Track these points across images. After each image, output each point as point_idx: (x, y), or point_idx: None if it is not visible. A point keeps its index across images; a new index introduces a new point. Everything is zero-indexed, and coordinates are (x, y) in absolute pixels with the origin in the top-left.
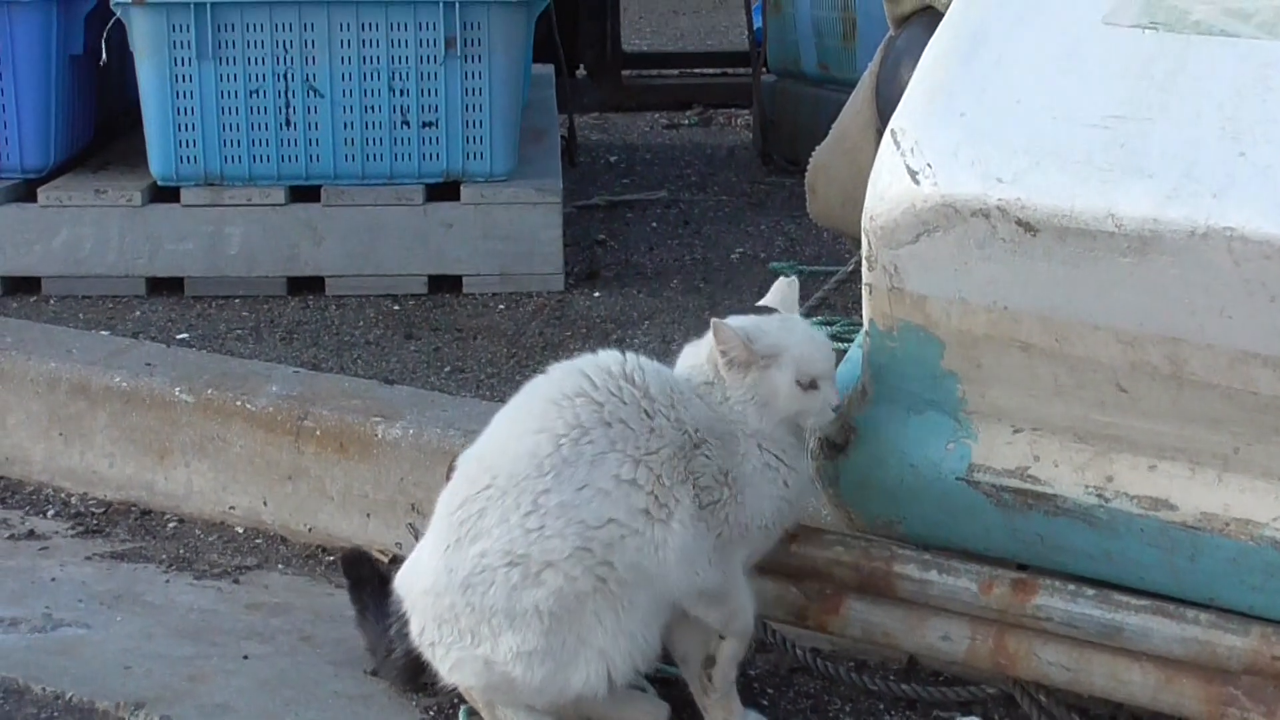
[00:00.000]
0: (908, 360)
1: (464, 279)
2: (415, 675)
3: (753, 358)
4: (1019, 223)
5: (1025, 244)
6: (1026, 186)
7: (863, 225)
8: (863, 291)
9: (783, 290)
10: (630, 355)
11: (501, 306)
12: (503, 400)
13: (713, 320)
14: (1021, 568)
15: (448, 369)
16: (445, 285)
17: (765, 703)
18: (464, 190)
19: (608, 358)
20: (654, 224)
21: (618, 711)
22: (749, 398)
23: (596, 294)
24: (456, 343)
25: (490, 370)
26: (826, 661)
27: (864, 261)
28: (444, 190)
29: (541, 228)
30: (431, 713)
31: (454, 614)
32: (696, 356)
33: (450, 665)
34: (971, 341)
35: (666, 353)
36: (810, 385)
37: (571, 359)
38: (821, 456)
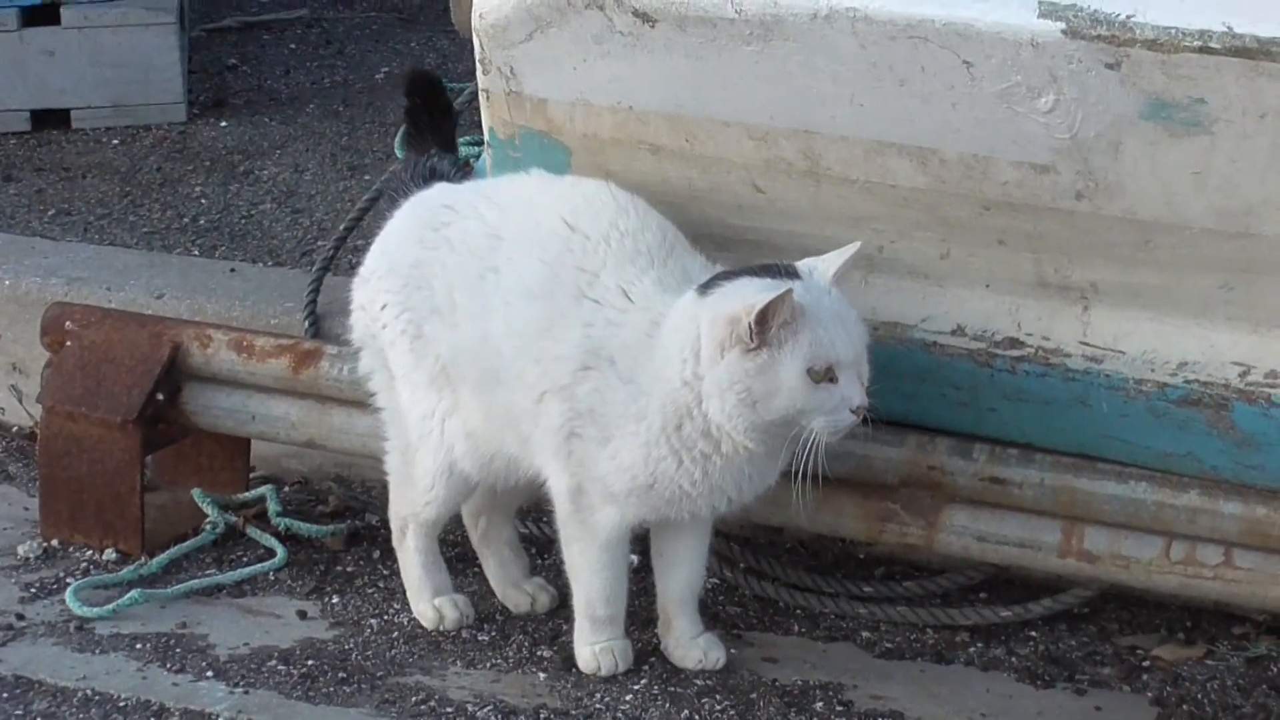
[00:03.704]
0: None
1: (72, 113)
2: None
3: (762, 341)
4: (635, 13)
5: (645, 36)
6: None
7: (473, 25)
8: (480, 99)
9: (831, 256)
10: (637, 211)
11: (115, 141)
12: (114, 243)
13: (712, 300)
14: None
15: (52, 212)
16: (51, 120)
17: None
18: (64, 12)
19: (604, 202)
20: (293, 45)
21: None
22: (740, 392)
23: (224, 123)
24: (63, 183)
25: (100, 211)
26: None
27: (478, 65)
28: (42, 13)
29: (157, 52)
30: (33, 589)
31: None
32: (685, 321)
33: None
34: (599, 146)
35: (298, 183)
36: (826, 376)
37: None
38: None
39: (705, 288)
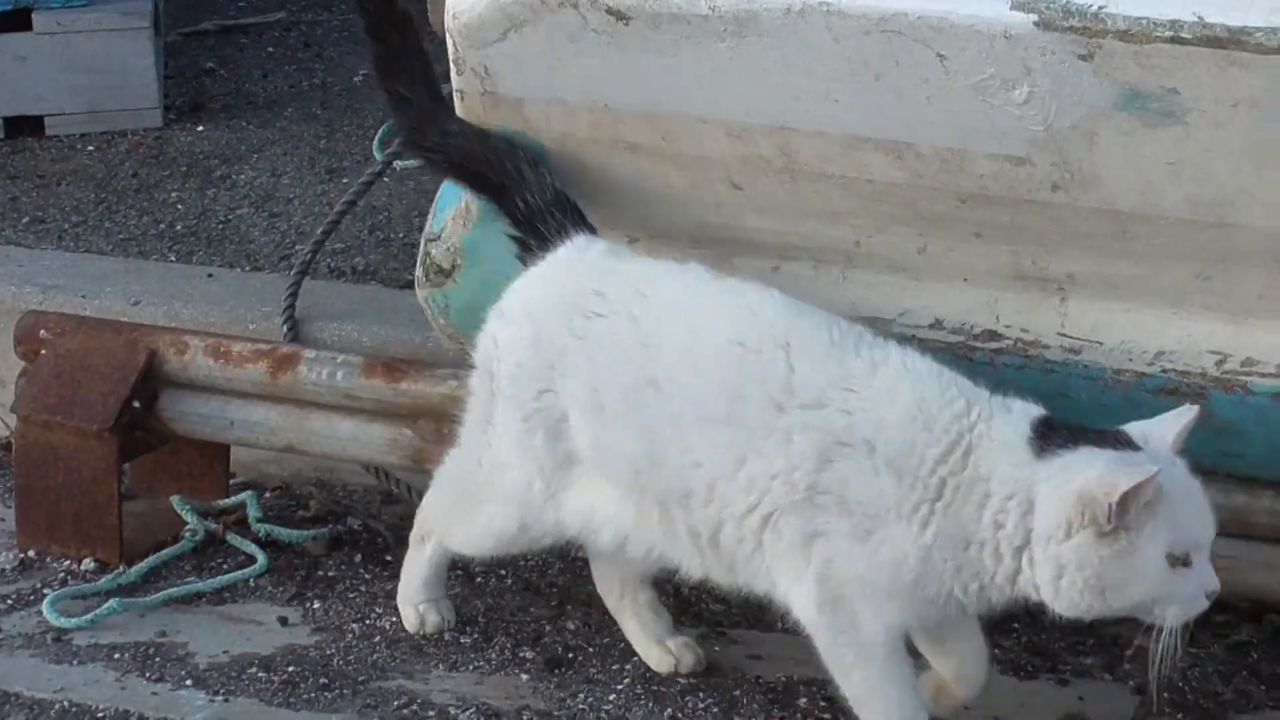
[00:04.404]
0: None
1: (46, 119)
2: None
3: (1121, 524)
4: (609, 11)
5: (619, 34)
6: None
7: (446, 25)
8: (454, 99)
9: (1167, 422)
10: (798, 313)
11: (91, 148)
12: (90, 250)
13: (1052, 469)
14: None
15: (26, 220)
16: (25, 127)
17: (390, 558)
18: (36, 18)
19: (767, 313)
20: (270, 49)
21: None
22: (1089, 578)
23: (200, 128)
24: (37, 191)
25: (76, 219)
26: None
27: (452, 66)
28: (13, 19)
29: (132, 57)
30: (10, 600)
31: None
32: (1007, 470)
33: None
34: (576, 145)
35: (276, 187)
36: (1183, 561)
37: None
38: (428, 283)
39: (1041, 447)
